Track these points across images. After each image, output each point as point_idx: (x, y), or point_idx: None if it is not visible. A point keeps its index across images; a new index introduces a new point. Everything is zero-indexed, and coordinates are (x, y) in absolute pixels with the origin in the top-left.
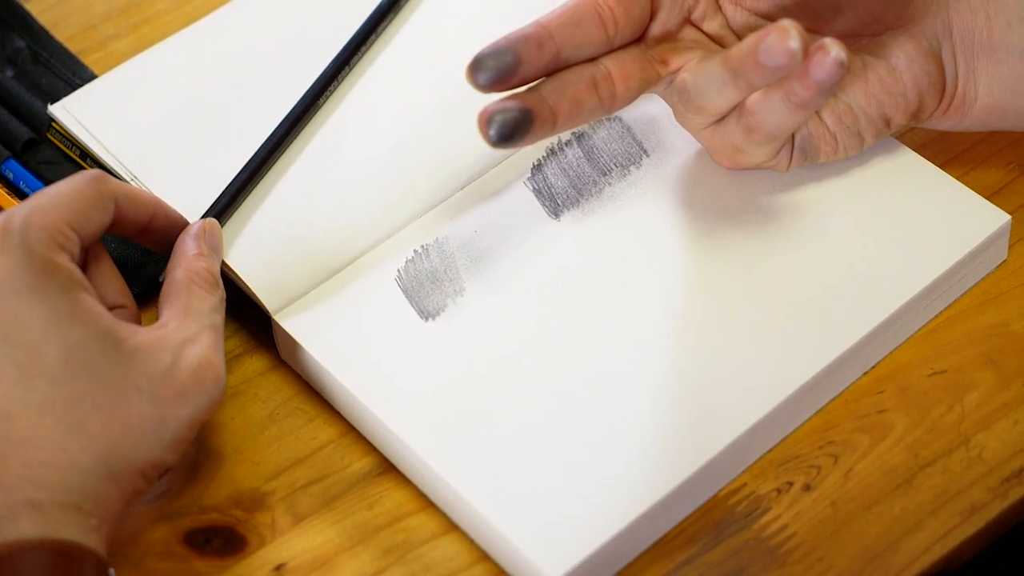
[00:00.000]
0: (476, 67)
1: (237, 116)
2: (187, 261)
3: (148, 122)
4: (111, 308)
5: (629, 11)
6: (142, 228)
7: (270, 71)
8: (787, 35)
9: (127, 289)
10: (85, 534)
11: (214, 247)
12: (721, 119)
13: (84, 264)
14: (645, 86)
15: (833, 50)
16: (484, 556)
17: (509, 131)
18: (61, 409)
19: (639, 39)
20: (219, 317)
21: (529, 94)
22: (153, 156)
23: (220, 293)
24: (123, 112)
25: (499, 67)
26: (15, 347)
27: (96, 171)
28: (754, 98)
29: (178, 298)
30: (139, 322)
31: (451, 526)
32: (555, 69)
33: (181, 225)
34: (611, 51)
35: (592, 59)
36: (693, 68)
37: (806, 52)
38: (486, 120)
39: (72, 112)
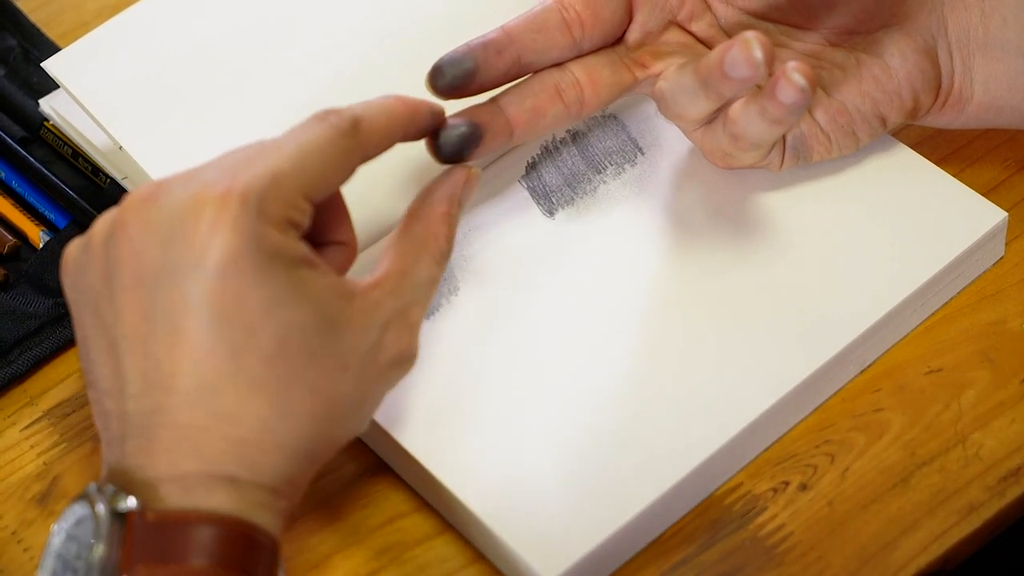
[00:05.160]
0: (435, 74)
1: (229, 74)
2: (434, 219)
3: (136, 79)
4: (329, 244)
5: (598, 15)
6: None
7: (262, 27)
8: (750, 47)
9: (350, 223)
10: (274, 518)
11: (464, 205)
12: (710, 122)
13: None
14: (618, 91)
15: (795, 77)
16: (479, 557)
17: (456, 148)
18: (273, 389)
19: (619, 41)
20: (432, 291)
21: (482, 107)
22: (141, 119)
23: (444, 267)
24: (111, 68)
25: (457, 74)
26: (232, 326)
27: (346, 123)
28: (736, 109)
29: (404, 256)
30: (353, 259)
31: (446, 527)
32: (517, 75)
33: (432, 118)
34: (581, 55)
35: (561, 64)
36: (668, 76)
37: (770, 61)
38: (433, 138)
39: (58, 73)
